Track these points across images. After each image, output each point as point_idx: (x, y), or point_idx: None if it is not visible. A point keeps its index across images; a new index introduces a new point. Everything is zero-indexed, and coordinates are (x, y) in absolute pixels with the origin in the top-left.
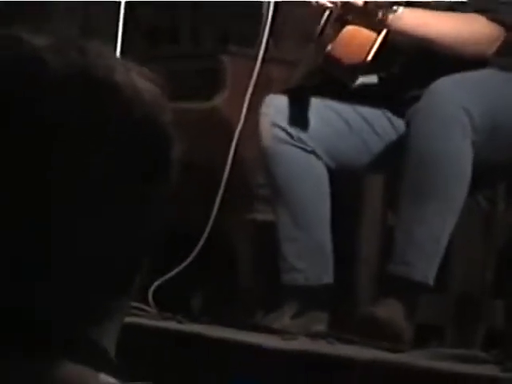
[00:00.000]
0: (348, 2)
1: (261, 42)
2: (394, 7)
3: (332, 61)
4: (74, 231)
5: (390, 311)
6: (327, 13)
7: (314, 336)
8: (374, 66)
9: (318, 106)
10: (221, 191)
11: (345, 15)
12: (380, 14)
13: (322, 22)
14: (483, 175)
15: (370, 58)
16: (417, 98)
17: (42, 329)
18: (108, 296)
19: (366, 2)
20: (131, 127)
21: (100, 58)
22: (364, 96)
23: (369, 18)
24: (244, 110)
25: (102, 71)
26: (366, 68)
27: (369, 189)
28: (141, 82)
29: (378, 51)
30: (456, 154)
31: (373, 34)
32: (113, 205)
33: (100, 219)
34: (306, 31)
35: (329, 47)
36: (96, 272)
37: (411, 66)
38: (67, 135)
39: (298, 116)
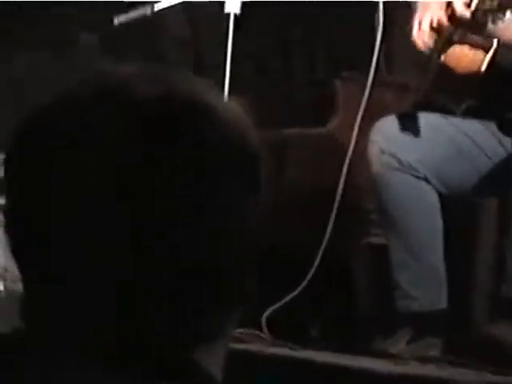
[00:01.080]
0: (456, 16)
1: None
2: (502, 12)
3: (442, 82)
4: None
5: (507, 333)
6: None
7: (427, 360)
8: (481, 87)
9: (427, 131)
10: (333, 215)
11: (452, 34)
12: (490, 21)
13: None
14: None
15: (478, 75)
16: None
17: (158, 352)
18: (215, 312)
19: (473, 12)
20: (223, 147)
21: (183, 82)
22: (472, 117)
23: (478, 28)
24: (354, 135)
25: (186, 94)
26: (472, 89)
27: (482, 212)
28: (224, 103)
29: (486, 70)
30: None
31: (481, 52)
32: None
33: (205, 229)
34: (417, 55)
35: (440, 62)
36: (205, 285)
37: None
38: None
39: (408, 142)
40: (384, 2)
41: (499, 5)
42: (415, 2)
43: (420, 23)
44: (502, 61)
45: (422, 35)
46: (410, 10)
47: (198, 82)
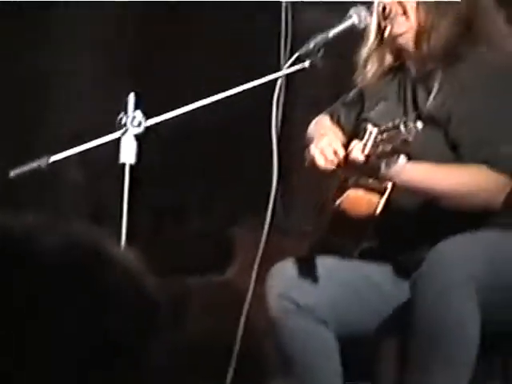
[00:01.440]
0: (350, 160)
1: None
2: (395, 156)
3: (337, 227)
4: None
5: None
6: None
7: None
8: (376, 230)
9: (324, 275)
10: (233, 360)
11: (347, 178)
12: (383, 166)
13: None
14: (497, 336)
15: (373, 219)
16: (421, 260)
17: None
18: None
19: (367, 156)
20: (122, 294)
21: (82, 232)
22: (369, 259)
23: (372, 172)
24: (252, 281)
25: (86, 244)
26: (369, 233)
27: (382, 353)
28: (122, 252)
29: (381, 214)
30: (462, 319)
31: (375, 196)
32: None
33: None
34: (313, 200)
35: (335, 207)
36: None
37: (414, 229)
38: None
39: (306, 285)
40: (278, 145)
41: (392, 149)
42: (308, 134)
43: (322, 149)
44: (397, 203)
45: (323, 156)
46: (303, 151)
47: (95, 231)
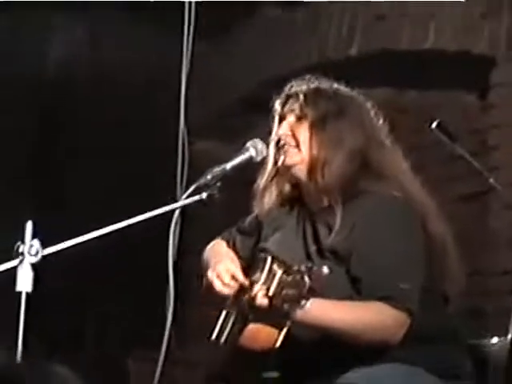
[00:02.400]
0: (256, 305)
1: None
2: (302, 302)
3: (236, 358)
4: None
5: None
6: (224, 315)
7: None
8: (277, 361)
9: None
10: None
11: (249, 312)
12: (286, 308)
13: (221, 322)
14: None
15: (273, 351)
16: None
17: None
18: None
19: (270, 298)
20: None
21: None
22: None
23: (272, 314)
24: None
25: None
26: (268, 365)
27: None
28: None
29: (281, 345)
30: None
31: (274, 331)
32: None
33: None
34: (208, 330)
35: (234, 339)
36: None
37: (314, 361)
38: None
39: None
40: (174, 276)
41: (298, 295)
42: (204, 259)
43: (219, 273)
44: (296, 336)
45: (220, 280)
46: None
47: None
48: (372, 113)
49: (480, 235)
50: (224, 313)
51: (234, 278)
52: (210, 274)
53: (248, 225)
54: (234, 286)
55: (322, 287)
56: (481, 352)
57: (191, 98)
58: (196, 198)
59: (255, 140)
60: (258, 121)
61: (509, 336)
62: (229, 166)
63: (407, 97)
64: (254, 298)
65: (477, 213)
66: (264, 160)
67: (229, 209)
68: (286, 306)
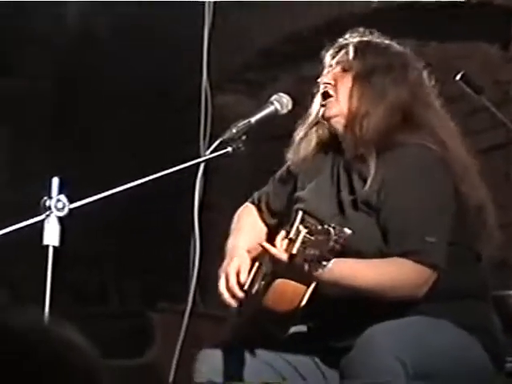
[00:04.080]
0: (275, 256)
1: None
2: (324, 262)
3: (265, 312)
4: None
5: None
6: (256, 267)
7: None
8: (304, 316)
9: (253, 361)
10: None
11: (274, 268)
12: (306, 268)
13: (252, 274)
14: None
15: (300, 307)
16: (349, 348)
17: None
18: None
19: (291, 256)
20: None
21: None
22: (295, 346)
23: (295, 272)
24: (174, 365)
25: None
26: (296, 319)
27: None
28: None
29: (308, 301)
30: None
31: (302, 287)
32: None
33: None
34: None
35: (261, 295)
36: None
37: (342, 315)
38: None
39: (233, 371)
40: (200, 231)
41: (320, 255)
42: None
43: (227, 276)
44: (323, 291)
45: (229, 290)
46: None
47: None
48: (423, 72)
49: (504, 187)
50: (256, 264)
51: (240, 284)
52: (221, 286)
53: (281, 175)
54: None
55: (345, 246)
56: (506, 303)
57: (214, 52)
58: (222, 151)
59: (280, 94)
60: (279, 74)
61: None
62: (254, 119)
63: (430, 49)
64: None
65: (501, 164)
66: (289, 113)
67: (255, 164)
68: (306, 265)
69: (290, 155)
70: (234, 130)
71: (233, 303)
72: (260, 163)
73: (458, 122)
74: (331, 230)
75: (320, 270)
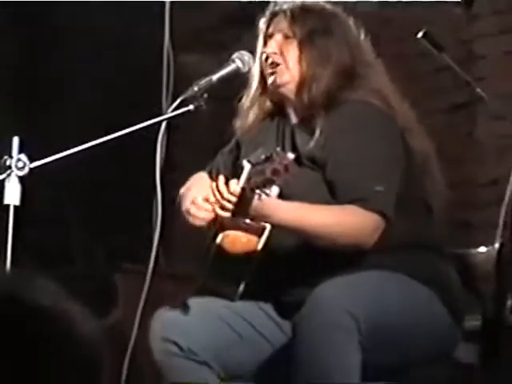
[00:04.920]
0: (227, 196)
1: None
2: (268, 185)
3: (215, 274)
4: None
5: None
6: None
7: None
8: (255, 272)
9: (207, 317)
10: None
11: (227, 219)
12: (256, 198)
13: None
14: (376, 378)
15: (252, 261)
16: (302, 302)
17: None
18: None
19: (242, 190)
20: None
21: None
22: (249, 301)
23: (246, 206)
24: (136, 326)
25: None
26: (247, 276)
27: None
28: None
29: (259, 256)
30: (343, 360)
31: (254, 236)
32: None
33: None
34: (194, 244)
35: (215, 249)
36: None
37: (292, 270)
38: None
39: (188, 329)
40: (162, 189)
41: (264, 180)
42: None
43: (194, 200)
44: (276, 244)
45: (197, 210)
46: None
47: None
48: (355, 29)
49: (467, 146)
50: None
51: (207, 200)
52: (187, 207)
53: (230, 146)
54: (209, 209)
55: (288, 171)
56: (467, 261)
57: (176, 14)
58: (183, 109)
59: (242, 52)
60: (242, 35)
61: (496, 245)
62: (215, 77)
63: (392, 8)
64: (224, 193)
65: (464, 124)
66: (249, 76)
67: (217, 126)
68: (256, 193)
69: (237, 124)
70: (196, 88)
71: (199, 222)
72: (224, 123)
73: (421, 81)
74: (274, 154)
75: (267, 198)
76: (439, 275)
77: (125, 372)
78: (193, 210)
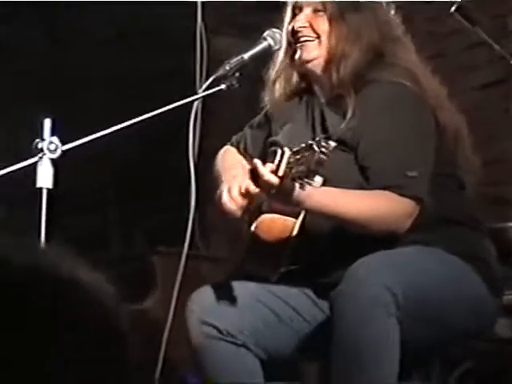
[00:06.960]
0: (266, 181)
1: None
2: (311, 177)
3: (253, 257)
4: None
5: None
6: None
7: None
8: (292, 255)
9: (245, 299)
10: None
11: (261, 204)
12: (297, 188)
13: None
14: (416, 353)
15: (290, 243)
16: (339, 281)
17: None
18: None
19: (281, 178)
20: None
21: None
22: (287, 283)
23: (286, 194)
24: (172, 308)
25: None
26: (285, 259)
27: (304, 376)
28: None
29: (296, 240)
30: (381, 335)
31: (290, 219)
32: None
33: None
34: (230, 227)
35: (251, 232)
36: None
37: (329, 252)
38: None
39: (226, 310)
40: (195, 172)
41: (307, 170)
42: (216, 171)
43: (229, 190)
44: (312, 226)
45: (232, 203)
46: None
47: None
48: (384, 5)
49: (503, 122)
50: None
51: (243, 194)
52: (226, 188)
53: (257, 122)
54: (242, 204)
55: (329, 165)
56: (504, 236)
57: None
58: (215, 88)
59: (273, 29)
60: (276, 18)
61: None
62: (247, 55)
63: None
64: (263, 177)
65: (500, 100)
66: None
67: (250, 105)
68: (296, 184)
69: (266, 97)
70: (228, 67)
71: (235, 212)
72: (257, 102)
73: (455, 58)
74: (314, 143)
75: (309, 189)
76: (477, 249)
77: (162, 356)
78: (226, 200)
